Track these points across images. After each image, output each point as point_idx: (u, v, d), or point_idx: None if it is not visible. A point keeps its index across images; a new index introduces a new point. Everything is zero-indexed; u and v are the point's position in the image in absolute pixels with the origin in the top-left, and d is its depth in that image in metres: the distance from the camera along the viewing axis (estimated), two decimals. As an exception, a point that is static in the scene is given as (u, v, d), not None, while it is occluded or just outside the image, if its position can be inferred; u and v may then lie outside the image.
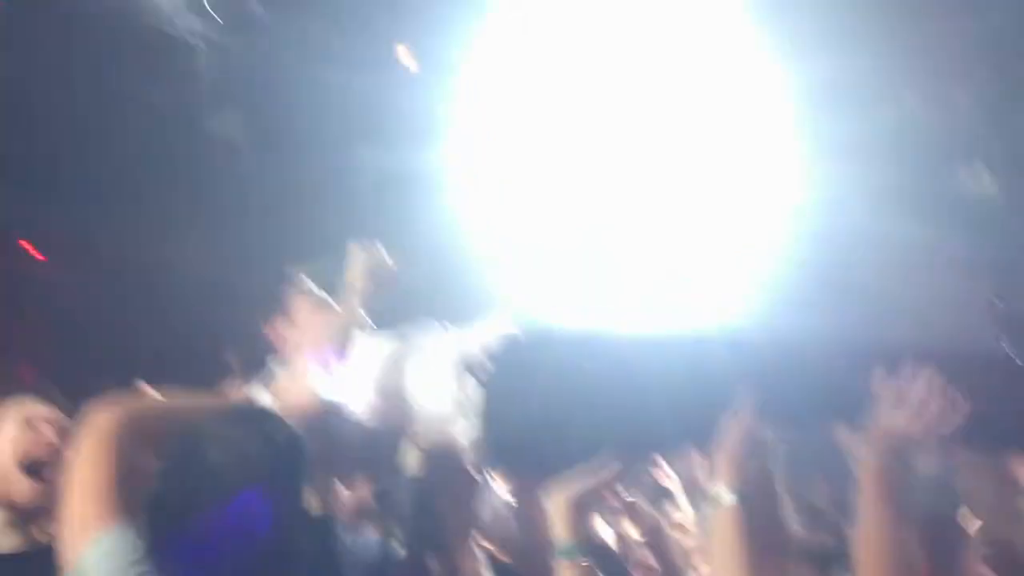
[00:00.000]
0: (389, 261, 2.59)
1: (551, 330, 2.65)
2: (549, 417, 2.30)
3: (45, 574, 2.14)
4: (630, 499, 3.55)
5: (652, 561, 3.45)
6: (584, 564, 2.23)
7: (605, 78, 5.92)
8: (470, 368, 2.37)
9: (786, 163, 5.81)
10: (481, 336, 2.45)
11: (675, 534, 3.46)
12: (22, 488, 2.31)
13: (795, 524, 2.48)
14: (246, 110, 6.84)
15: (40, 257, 7.31)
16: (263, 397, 2.36)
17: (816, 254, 5.73)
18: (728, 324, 2.67)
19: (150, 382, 2.61)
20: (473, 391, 2.35)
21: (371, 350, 2.49)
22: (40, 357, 6.68)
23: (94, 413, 1.97)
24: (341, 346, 2.40)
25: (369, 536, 2.76)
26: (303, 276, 2.71)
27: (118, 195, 6.55)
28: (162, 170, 6.51)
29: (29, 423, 2.36)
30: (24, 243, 7.17)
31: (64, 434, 2.36)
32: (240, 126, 7.16)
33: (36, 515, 2.34)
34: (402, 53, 6.54)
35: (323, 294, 2.63)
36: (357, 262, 2.57)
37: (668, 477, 3.55)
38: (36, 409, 2.40)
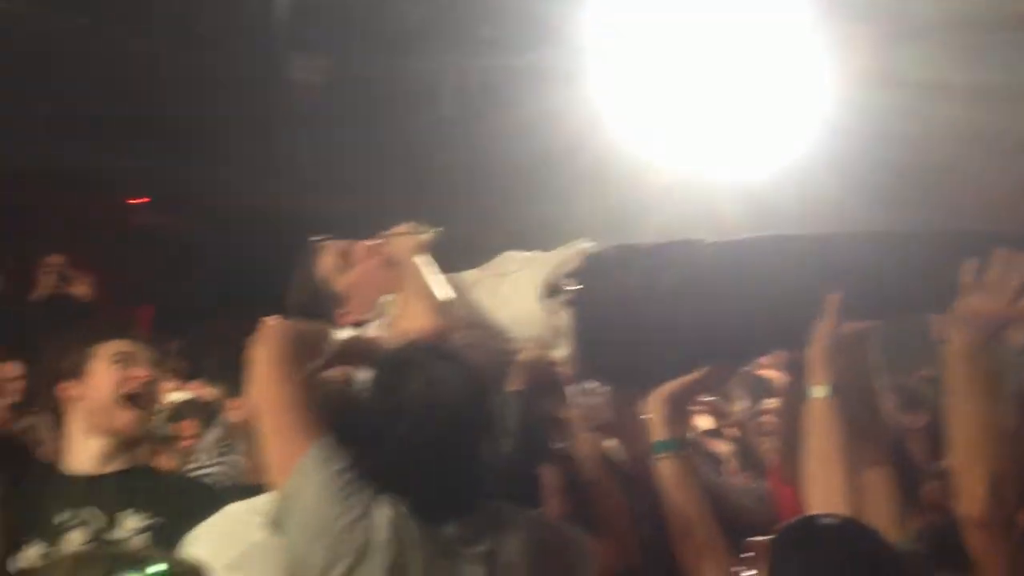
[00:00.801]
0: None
1: (633, 246, 2.64)
2: (638, 330, 2.31)
3: (149, 489, 2.43)
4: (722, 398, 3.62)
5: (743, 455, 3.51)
6: (682, 455, 2.30)
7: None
8: (557, 289, 2.39)
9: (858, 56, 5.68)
10: (566, 257, 2.48)
11: (768, 429, 3.50)
12: (123, 418, 2.50)
13: (891, 408, 2.49)
14: (328, 52, 6.95)
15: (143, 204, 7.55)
16: (380, 332, 2.47)
17: (890, 149, 5.61)
18: (811, 222, 2.63)
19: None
20: (562, 311, 2.37)
21: (461, 280, 2.54)
22: (151, 299, 7.02)
23: (266, 333, 2.03)
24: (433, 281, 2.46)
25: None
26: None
27: (209, 143, 6.73)
28: (250, 116, 6.66)
29: (123, 360, 2.54)
30: (129, 196, 7.45)
31: (155, 370, 2.60)
32: (322, 69, 7.28)
33: (136, 442, 2.56)
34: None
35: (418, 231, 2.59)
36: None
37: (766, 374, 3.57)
38: (129, 347, 2.58)
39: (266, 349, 2.02)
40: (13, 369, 4.49)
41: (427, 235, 2.51)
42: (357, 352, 2.26)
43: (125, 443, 2.52)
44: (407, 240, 2.51)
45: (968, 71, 5.29)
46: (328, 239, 2.70)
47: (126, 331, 2.66)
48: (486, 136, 6.71)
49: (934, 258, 2.23)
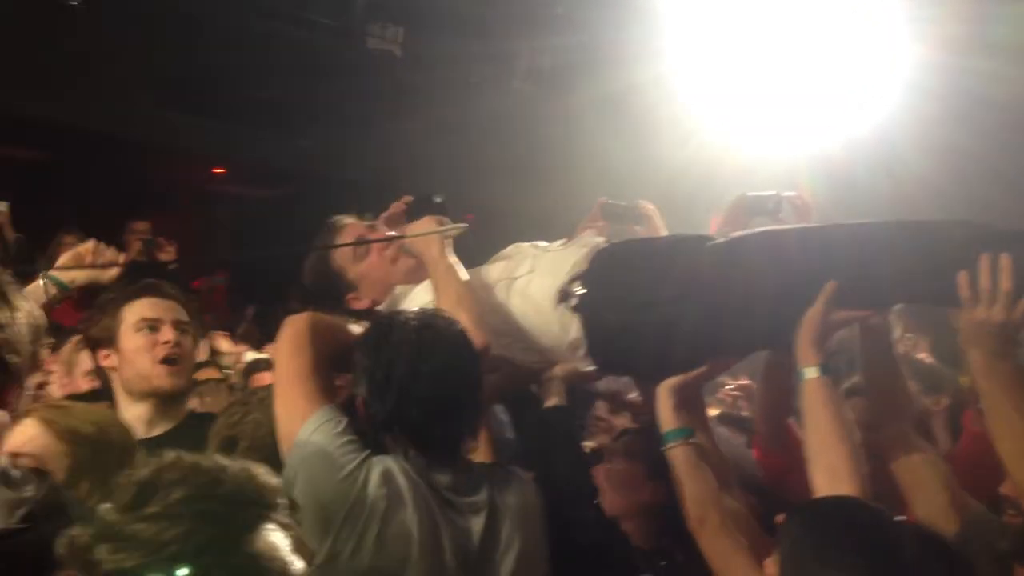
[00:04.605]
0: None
1: (638, 242, 2.69)
2: (643, 326, 2.35)
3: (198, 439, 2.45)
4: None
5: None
6: (691, 443, 2.34)
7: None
8: (568, 295, 2.42)
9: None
10: (575, 260, 2.50)
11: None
12: (160, 379, 2.61)
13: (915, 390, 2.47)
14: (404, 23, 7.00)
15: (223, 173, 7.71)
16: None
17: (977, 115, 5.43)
18: (810, 216, 2.59)
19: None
20: (574, 318, 2.41)
21: (479, 281, 2.54)
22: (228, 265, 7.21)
23: (291, 319, 2.22)
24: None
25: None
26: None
27: (286, 112, 6.83)
28: (326, 85, 6.74)
29: (150, 325, 2.64)
30: (212, 165, 7.61)
31: (182, 327, 2.67)
32: (398, 38, 7.33)
33: (180, 397, 2.65)
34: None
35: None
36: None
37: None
38: (153, 309, 2.67)
39: (287, 331, 2.21)
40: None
41: (454, 229, 2.51)
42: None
43: (169, 401, 2.62)
44: (431, 233, 2.50)
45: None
46: (347, 217, 2.72)
47: (152, 287, 2.72)
48: (559, 116, 6.70)
49: (932, 251, 2.20)
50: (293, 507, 1.93)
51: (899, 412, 2.40)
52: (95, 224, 6.75)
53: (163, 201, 7.48)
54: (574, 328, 2.41)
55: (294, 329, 2.20)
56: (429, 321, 2.12)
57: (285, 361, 2.17)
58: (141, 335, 2.61)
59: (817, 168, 5.74)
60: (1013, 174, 5.53)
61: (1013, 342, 2.10)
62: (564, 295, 2.42)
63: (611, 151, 6.60)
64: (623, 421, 3.24)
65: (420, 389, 2.04)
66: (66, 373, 3.24)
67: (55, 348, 3.75)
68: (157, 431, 2.59)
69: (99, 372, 2.74)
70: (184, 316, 2.71)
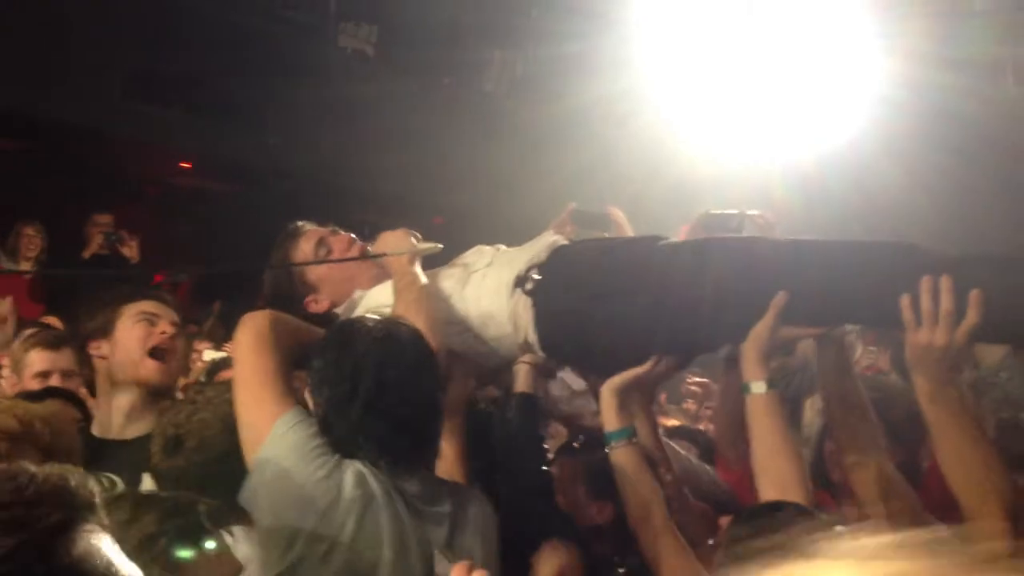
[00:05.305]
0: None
1: (598, 241, 2.69)
2: (592, 321, 2.36)
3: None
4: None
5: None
6: (634, 443, 2.34)
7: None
8: (524, 280, 2.43)
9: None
10: (535, 251, 2.51)
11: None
12: (148, 369, 2.57)
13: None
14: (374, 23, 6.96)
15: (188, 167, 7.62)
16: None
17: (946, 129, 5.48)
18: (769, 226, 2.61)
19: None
20: (526, 302, 2.42)
21: (433, 277, 2.54)
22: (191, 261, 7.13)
23: (250, 316, 2.18)
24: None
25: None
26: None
27: (256, 108, 6.78)
28: (297, 83, 6.69)
29: (148, 318, 2.63)
30: (177, 159, 7.52)
31: (178, 328, 2.68)
32: (370, 38, 7.29)
33: (162, 393, 2.60)
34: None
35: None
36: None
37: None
38: (154, 307, 2.67)
39: (248, 330, 2.16)
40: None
41: (426, 247, 2.51)
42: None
43: (151, 396, 2.57)
44: (402, 245, 2.50)
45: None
46: (308, 224, 2.71)
47: (152, 293, 2.74)
48: (532, 125, 6.68)
49: (875, 273, 2.19)
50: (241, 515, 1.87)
51: (860, 432, 2.36)
52: (57, 215, 6.70)
53: (128, 194, 7.38)
54: (525, 314, 2.42)
55: (255, 327, 2.14)
56: (391, 330, 2.08)
57: (250, 360, 2.11)
58: (139, 325, 2.61)
59: (789, 180, 5.78)
60: (982, 187, 5.58)
61: (956, 368, 2.11)
62: (520, 280, 2.44)
63: (581, 161, 6.59)
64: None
65: (385, 403, 2.00)
66: (13, 371, 3.12)
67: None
68: (131, 433, 2.55)
69: (86, 363, 2.72)
70: (179, 321, 2.72)
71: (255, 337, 2.13)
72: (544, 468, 2.48)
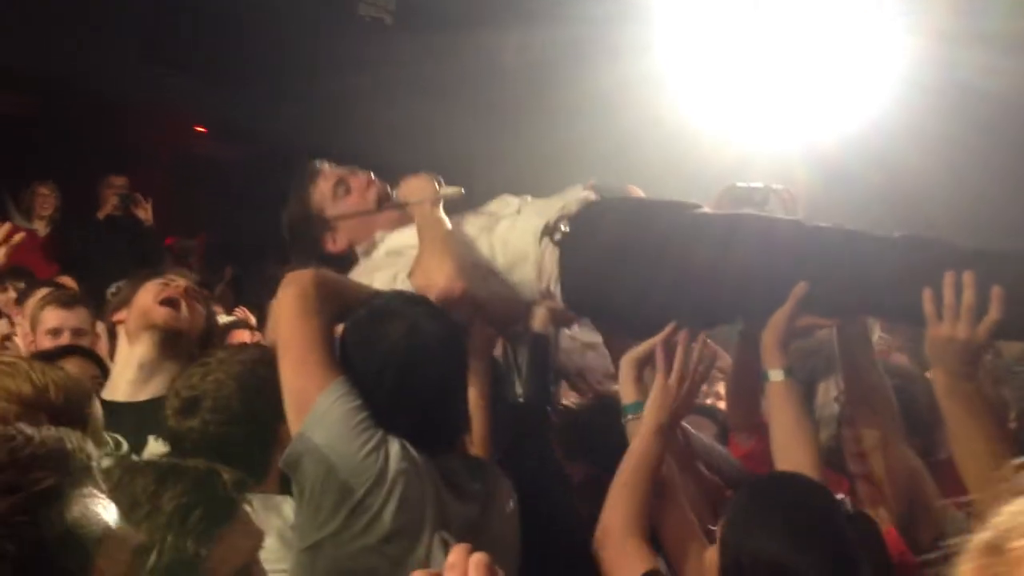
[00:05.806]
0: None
1: (631, 199, 2.67)
2: (622, 273, 2.36)
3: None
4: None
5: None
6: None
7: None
8: (554, 229, 2.43)
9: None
10: (567, 202, 2.50)
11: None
12: (160, 314, 2.61)
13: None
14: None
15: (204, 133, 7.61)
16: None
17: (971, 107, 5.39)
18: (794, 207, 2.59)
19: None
20: (554, 251, 2.42)
21: (458, 223, 2.52)
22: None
23: (294, 276, 2.09)
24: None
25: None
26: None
27: (276, 77, 6.75)
28: (317, 52, 6.65)
29: (166, 280, 2.71)
30: (192, 124, 7.51)
31: (195, 291, 2.74)
32: (390, 7, 7.21)
33: (175, 338, 2.62)
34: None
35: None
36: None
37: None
38: (173, 274, 2.79)
39: (292, 290, 2.07)
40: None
41: (450, 191, 2.51)
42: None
43: (164, 348, 2.59)
44: (426, 189, 2.50)
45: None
46: (327, 163, 2.70)
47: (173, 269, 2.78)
48: (551, 111, 6.62)
49: (902, 266, 2.18)
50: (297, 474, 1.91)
51: (878, 414, 2.38)
52: (72, 176, 6.69)
53: (142, 157, 7.37)
54: (551, 264, 2.42)
55: (300, 288, 2.06)
56: (415, 322, 2.02)
57: (295, 324, 2.02)
58: (157, 286, 2.67)
59: (811, 161, 5.71)
60: (1007, 166, 5.50)
61: (976, 363, 2.09)
62: (549, 229, 2.43)
63: (600, 145, 6.54)
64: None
65: (413, 396, 1.99)
66: (30, 329, 3.19)
67: (22, 297, 3.71)
68: (141, 396, 2.55)
69: (109, 330, 2.78)
70: (196, 288, 2.79)
71: (300, 298, 2.04)
72: (547, 408, 2.49)
